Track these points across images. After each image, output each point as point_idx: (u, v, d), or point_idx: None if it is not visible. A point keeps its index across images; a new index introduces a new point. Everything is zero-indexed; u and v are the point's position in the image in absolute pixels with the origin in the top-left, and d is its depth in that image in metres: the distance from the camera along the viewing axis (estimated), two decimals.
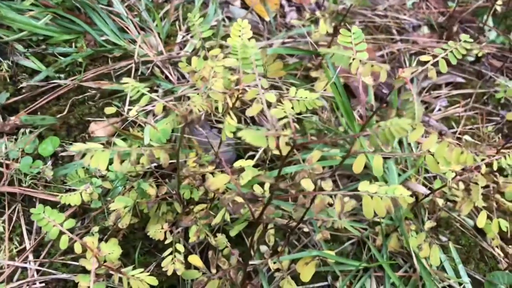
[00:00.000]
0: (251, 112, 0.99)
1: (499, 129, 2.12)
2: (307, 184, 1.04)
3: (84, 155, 1.04)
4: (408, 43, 2.42)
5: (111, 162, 1.43)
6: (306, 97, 1.27)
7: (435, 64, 1.22)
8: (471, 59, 2.39)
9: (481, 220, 1.40)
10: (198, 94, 1.18)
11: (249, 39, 1.27)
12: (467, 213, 1.41)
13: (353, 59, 1.06)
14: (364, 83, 1.20)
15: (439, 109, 2.14)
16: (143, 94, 1.12)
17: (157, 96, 1.79)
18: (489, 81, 2.32)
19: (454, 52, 1.12)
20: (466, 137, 2.05)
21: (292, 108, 1.30)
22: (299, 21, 2.09)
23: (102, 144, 1.11)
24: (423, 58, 1.13)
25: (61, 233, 1.18)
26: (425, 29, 2.56)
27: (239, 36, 1.29)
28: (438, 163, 1.13)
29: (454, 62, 1.13)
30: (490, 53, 2.46)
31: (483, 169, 1.39)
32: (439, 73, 2.36)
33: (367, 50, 2.34)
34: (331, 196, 1.05)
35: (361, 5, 2.56)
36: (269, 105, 1.07)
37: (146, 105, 1.67)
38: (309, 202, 1.33)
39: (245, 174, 1.20)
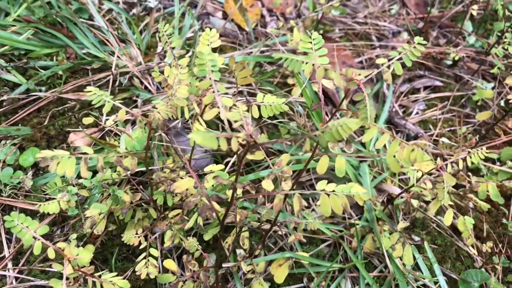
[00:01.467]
0: (207, 116, 1.02)
1: (477, 131, 2.15)
2: (267, 185, 1.07)
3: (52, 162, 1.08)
4: (387, 49, 2.46)
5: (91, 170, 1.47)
6: (273, 102, 1.32)
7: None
8: (449, 62, 2.43)
9: (448, 218, 1.43)
10: (161, 102, 1.22)
11: (215, 48, 1.31)
12: (435, 212, 1.44)
13: (306, 63, 1.10)
14: (335, 88, 1.24)
15: (417, 113, 2.18)
16: (106, 102, 1.15)
17: (136, 105, 1.84)
18: (466, 83, 2.36)
19: (408, 54, 1.16)
20: (443, 139, 2.09)
21: (260, 112, 1.35)
22: (277, 30, 2.14)
23: (70, 151, 1.15)
24: (379, 61, 1.16)
25: (35, 239, 1.21)
26: (405, 35, 2.61)
27: (208, 44, 1.34)
28: (398, 162, 1.17)
29: (409, 64, 1.16)
30: (468, 56, 2.50)
31: (449, 168, 1.42)
32: (418, 76, 2.40)
33: (346, 56, 2.39)
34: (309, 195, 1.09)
35: (341, 13, 2.61)
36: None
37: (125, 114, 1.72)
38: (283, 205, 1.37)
39: (209, 176, 1.24)
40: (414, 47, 1.18)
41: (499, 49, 2.20)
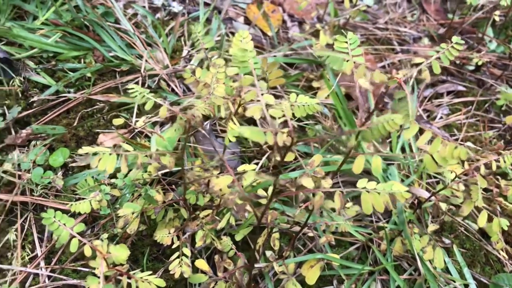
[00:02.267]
0: (250, 112, 1.03)
1: (501, 135, 2.14)
2: (307, 182, 1.07)
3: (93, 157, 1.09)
4: (409, 54, 2.47)
5: (119, 170, 1.49)
6: (306, 103, 1.32)
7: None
8: (472, 68, 2.43)
9: (482, 220, 1.42)
10: (199, 100, 1.23)
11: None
12: (468, 213, 1.43)
13: (347, 60, 1.10)
14: (363, 89, 1.24)
15: (441, 117, 2.17)
16: (148, 99, 1.16)
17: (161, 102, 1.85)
18: (490, 89, 2.35)
19: (446, 53, 1.16)
20: (468, 143, 2.08)
21: (293, 112, 1.35)
22: (301, 34, 2.15)
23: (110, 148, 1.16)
24: (417, 60, 1.17)
25: (71, 237, 1.22)
26: (426, 41, 2.61)
27: (241, 45, 1.35)
28: (435, 161, 1.17)
29: (446, 63, 1.17)
30: (490, 61, 2.50)
31: (482, 170, 1.42)
32: (440, 81, 2.40)
33: (369, 60, 2.39)
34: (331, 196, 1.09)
35: (363, 18, 2.62)
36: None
37: (152, 116, 1.73)
38: (311, 206, 1.37)
39: (247, 175, 1.24)
40: (452, 46, 1.18)
41: None
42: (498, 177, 1.70)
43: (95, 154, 1.09)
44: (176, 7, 2.37)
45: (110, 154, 1.11)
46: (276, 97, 1.96)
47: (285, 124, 1.65)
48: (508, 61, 2.44)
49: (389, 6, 2.83)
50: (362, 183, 1.05)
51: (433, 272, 1.56)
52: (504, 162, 1.45)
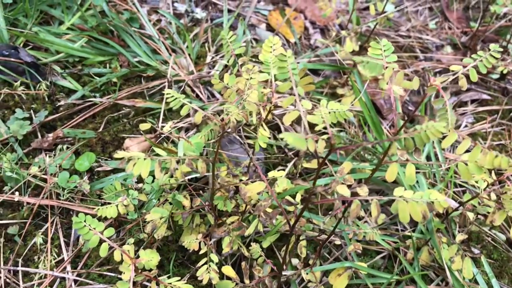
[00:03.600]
0: (288, 118, 1.02)
1: None
2: (343, 190, 1.06)
3: (127, 162, 1.09)
4: (433, 62, 2.45)
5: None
6: (337, 109, 1.31)
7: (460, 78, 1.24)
8: (496, 76, 2.41)
9: None
10: (232, 106, 1.22)
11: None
12: (500, 223, 1.41)
13: (387, 67, 1.09)
14: (391, 97, 1.23)
15: (466, 126, 2.15)
16: (183, 104, 1.16)
17: (197, 107, 1.85)
18: None
19: (484, 61, 1.15)
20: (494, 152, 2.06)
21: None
22: (325, 40, 2.14)
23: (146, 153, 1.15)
24: (453, 68, 1.15)
25: (101, 241, 1.22)
26: (449, 49, 2.59)
27: (271, 52, 1.34)
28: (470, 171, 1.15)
29: (484, 71, 1.15)
30: None
31: None
32: (464, 90, 2.38)
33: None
34: (365, 205, 1.07)
35: (385, 26, 2.61)
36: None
37: (178, 122, 1.73)
38: (341, 213, 1.36)
39: (280, 181, 1.23)
40: (490, 54, 1.17)
41: None
42: None
43: (130, 159, 1.09)
44: (200, 14, 2.38)
45: (144, 159, 1.11)
46: None
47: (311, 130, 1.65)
48: None
49: (411, 14, 2.81)
50: (398, 191, 1.04)
51: (462, 282, 1.54)
52: None
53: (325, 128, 1.03)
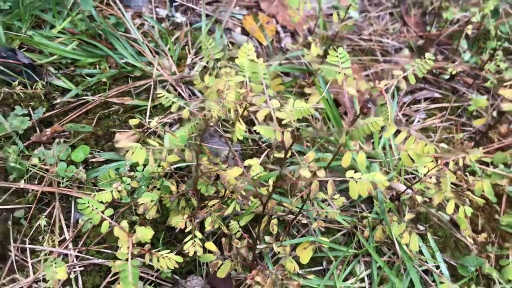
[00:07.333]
0: (260, 114, 1.26)
1: (472, 138, 2.40)
2: (305, 172, 1.30)
3: (127, 151, 1.31)
4: (391, 64, 2.72)
5: (137, 164, 1.70)
6: (302, 107, 1.55)
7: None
8: (447, 77, 2.69)
9: (450, 208, 1.66)
10: (214, 103, 1.45)
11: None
12: (439, 202, 1.68)
13: (339, 72, 1.34)
14: (350, 96, 1.48)
15: (418, 121, 2.43)
16: (173, 102, 1.39)
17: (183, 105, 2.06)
18: (462, 96, 2.62)
19: (420, 67, 1.40)
20: (443, 144, 2.34)
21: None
22: (294, 45, 2.39)
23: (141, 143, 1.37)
24: (395, 72, 1.40)
25: (101, 220, 1.43)
26: (406, 51, 2.87)
27: (246, 57, 1.58)
28: (411, 158, 1.41)
29: (420, 75, 1.41)
30: (463, 71, 2.77)
31: (451, 165, 1.67)
32: (418, 89, 2.65)
33: (354, 70, 2.63)
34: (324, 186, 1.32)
35: (348, 30, 2.87)
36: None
37: (163, 118, 1.95)
38: (306, 195, 1.60)
39: (254, 167, 1.47)
40: (425, 61, 1.43)
41: (492, 65, 2.47)
42: (467, 173, 1.95)
43: (129, 148, 1.31)
44: (179, 18, 2.59)
45: (141, 148, 1.33)
46: None
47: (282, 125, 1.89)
48: (479, 71, 2.70)
49: (373, 19, 3.09)
50: (349, 173, 1.28)
51: (409, 254, 1.81)
52: (470, 160, 1.70)
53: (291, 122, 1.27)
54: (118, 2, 2.41)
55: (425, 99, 2.57)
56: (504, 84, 2.07)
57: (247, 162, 1.63)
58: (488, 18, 2.88)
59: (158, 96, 1.39)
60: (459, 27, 3.00)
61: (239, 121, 1.58)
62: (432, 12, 3.19)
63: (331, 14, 3.07)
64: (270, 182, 1.74)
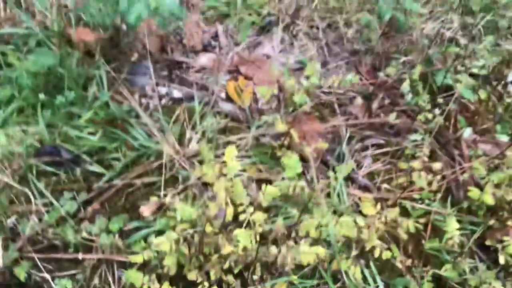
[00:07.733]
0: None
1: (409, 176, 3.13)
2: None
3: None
4: (346, 114, 3.41)
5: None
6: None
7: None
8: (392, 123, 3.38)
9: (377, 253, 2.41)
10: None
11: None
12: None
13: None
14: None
15: (366, 166, 3.14)
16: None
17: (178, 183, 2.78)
18: (404, 139, 3.32)
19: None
20: (385, 185, 3.07)
21: None
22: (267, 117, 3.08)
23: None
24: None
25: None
26: (359, 100, 3.53)
27: (232, 159, 2.29)
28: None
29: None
30: (405, 112, 3.47)
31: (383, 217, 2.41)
32: (368, 137, 3.35)
33: (317, 127, 3.32)
34: None
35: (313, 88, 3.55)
36: None
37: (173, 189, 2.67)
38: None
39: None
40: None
41: (422, 116, 3.18)
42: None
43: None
44: (176, 94, 3.27)
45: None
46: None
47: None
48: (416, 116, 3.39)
49: (332, 70, 3.76)
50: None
51: (354, 282, 2.57)
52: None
53: None
54: (127, 91, 3.08)
55: (372, 145, 3.27)
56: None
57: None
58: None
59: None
60: (403, 73, 3.67)
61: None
62: (382, 57, 3.84)
63: (299, 69, 3.73)
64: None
